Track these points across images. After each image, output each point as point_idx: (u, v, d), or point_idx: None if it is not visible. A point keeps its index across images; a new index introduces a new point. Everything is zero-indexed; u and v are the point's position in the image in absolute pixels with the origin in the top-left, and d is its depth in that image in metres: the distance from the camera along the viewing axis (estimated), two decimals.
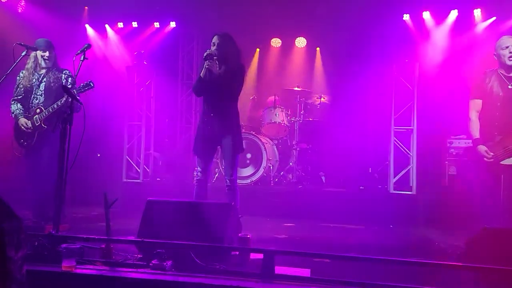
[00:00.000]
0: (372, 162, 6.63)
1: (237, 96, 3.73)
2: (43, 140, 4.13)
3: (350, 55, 7.01)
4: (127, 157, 6.42)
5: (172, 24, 7.25)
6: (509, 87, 3.68)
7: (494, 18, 6.06)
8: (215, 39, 3.64)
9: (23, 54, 4.05)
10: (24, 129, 4.13)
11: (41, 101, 4.18)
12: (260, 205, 5.50)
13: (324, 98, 6.92)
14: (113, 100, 6.91)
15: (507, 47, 3.65)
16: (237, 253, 2.89)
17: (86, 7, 6.92)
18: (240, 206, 3.77)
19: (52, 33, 6.19)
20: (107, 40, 7.19)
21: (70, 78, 4.22)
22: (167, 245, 2.66)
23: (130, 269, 2.53)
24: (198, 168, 3.72)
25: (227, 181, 3.67)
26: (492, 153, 3.64)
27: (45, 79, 4.22)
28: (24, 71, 4.25)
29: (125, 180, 6.29)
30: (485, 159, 3.67)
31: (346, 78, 7.07)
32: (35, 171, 4.21)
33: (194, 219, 2.99)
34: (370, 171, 6.54)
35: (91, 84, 3.79)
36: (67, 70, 4.28)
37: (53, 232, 2.80)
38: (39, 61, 4.23)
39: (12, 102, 4.27)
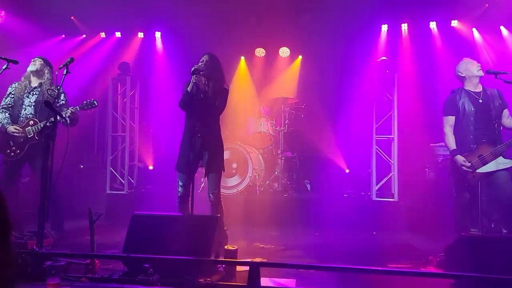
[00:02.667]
0: (355, 170, 6.76)
1: (219, 114, 3.80)
2: (32, 153, 4.10)
3: (333, 65, 7.15)
4: (111, 168, 6.36)
5: (157, 34, 7.27)
6: (480, 101, 3.96)
7: (472, 28, 6.33)
8: (204, 57, 3.75)
9: (4, 67, 4.02)
10: (16, 134, 4.10)
11: (29, 112, 4.19)
12: (247, 214, 5.52)
13: (307, 107, 7.03)
14: (96, 111, 6.87)
15: (472, 62, 4.03)
16: (224, 265, 2.92)
17: (73, 17, 6.87)
18: (225, 216, 3.81)
19: (35, 44, 6.18)
20: (91, 50, 7.15)
21: (62, 95, 4.25)
22: (153, 259, 2.67)
23: (116, 285, 2.54)
24: (180, 184, 3.73)
25: (211, 196, 3.70)
26: (469, 163, 3.82)
27: (37, 91, 4.25)
28: (17, 83, 4.30)
29: (109, 192, 6.23)
30: (463, 168, 3.83)
31: (329, 88, 7.20)
32: (16, 183, 4.21)
33: (180, 232, 3.00)
34: (353, 178, 6.67)
35: (95, 103, 3.92)
36: (61, 88, 4.30)
37: (36, 248, 2.78)
38: (32, 77, 4.30)
39: (0, 111, 4.25)
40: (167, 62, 7.73)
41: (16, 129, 4.11)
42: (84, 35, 7.09)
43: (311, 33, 6.84)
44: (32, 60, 4.32)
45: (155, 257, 2.70)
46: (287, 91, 7.25)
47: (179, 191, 3.73)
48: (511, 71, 3.81)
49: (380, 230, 5.20)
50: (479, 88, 4.01)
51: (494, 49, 6.09)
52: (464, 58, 4.18)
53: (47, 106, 3.14)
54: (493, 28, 6.24)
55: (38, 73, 4.29)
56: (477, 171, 3.86)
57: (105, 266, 2.99)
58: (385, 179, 5.79)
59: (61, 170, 3.10)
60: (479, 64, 4.04)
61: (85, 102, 3.97)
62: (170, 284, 2.58)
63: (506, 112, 3.98)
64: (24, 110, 4.19)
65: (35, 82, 4.30)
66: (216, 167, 3.72)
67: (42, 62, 4.32)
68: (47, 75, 4.33)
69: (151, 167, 7.13)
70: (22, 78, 4.31)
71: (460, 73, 4.08)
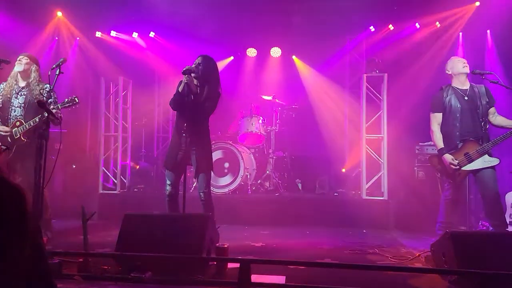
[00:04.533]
0: (346, 169, 6.84)
1: (208, 116, 3.84)
2: (20, 154, 4.08)
3: (322, 66, 7.24)
4: (103, 168, 6.38)
5: (151, 34, 7.30)
6: (465, 98, 4.04)
7: (454, 31, 6.46)
8: (198, 59, 3.79)
9: None
10: (3, 133, 4.08)
11: (19, 113, 4.14)
12: (238, 214, 5.58)
13: (298, 107, 7.11)
14: (89, 111, 6.88)
15: (458, 61, 4.14)
16: (215, 263, 2.97)
17: (60, 12, 6.84)
18: (217, 215, 3.87)
19: (24, 42, 6.16)
20: (83, 50, 7.15)
21: (52, 94, 4.20)
22: (146, 257, 2.71)
23: (109, 282, 2.58)
24: (168, 182, 3.79)
25: (201, 195, 3.77)
26: (457, 161, 3.90)
27: (25, 92, 4.19)
28: (3, 84, 4.25)
29: (101, 191, 6.25)
30: (452, 167, 3.91)
31: (320, 88, 7.29)
32: None
33: (172, 231, 3.05)
34: (344, 171, 6.77)
35: (76, 100, 3.86)
36: (48, 84, 4.24)
37: None
38: (19, 77, 4.24)
39: None
40: (160, 62, 7.75)
41: (2, 128, 4.09)
42: (78, 38, 7.07)
43: (302, 34, 6.92)
44: (18, 59, 4.21)
45: (148, 255, 2.75)
46: (278, 90, 7.32)
47: (167, 190, 3.79)
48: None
49: (370, 227, 5.29)
50: (466, 86, 4.09)
51: (476, 52, 6.22)
52: (452, 57, 4.28)
53: (40, 106, 3.16)
54: (479, 31, 6.35)
55: (25, 73, 4.21)
56: (463, 168, 3.94)
57: (97, 264, 3.02)
58: (375, 178, 5.88)
59: (54, 170, 3.12)
60: (465, 61, 4.13)
61: (66, 99, 3.93)
62: (162, 282, 2.63)
63: (492, 109, 4.05)
64: (14, 112, 4.14)
65: (22, 82, 4.23)
66: (204, 167, 3.78)
67: (28, 60, 4.24)
68: (34, 74, 4.25)
69: (137, 167, 7.09)
70: (9, 79, 4.23)
71: (447, 71, 4.18)
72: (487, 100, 4.02)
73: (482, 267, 2.67)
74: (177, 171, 3.81)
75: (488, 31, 6.38)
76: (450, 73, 4.15)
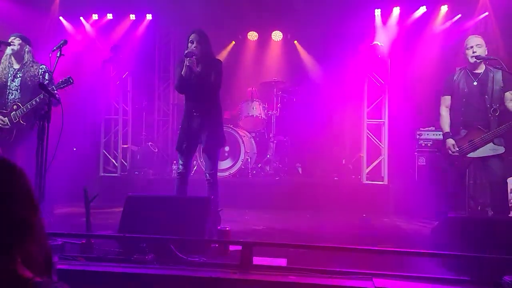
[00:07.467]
0: (346, 154, 6.85)
1: (217, 91, 3.80)
2: (21, 138, 4.05)
3: (325, 50, 7.16)
4: (104, 151, 6.38)
5: (148, 17, 7.19)
6: (474, 83, 3.90)
7: (459, 15, 6.33)
8: (193, 37, 3.70)
9: None
10: (1, 125, 4.05)
11: (16, 96, 4.10)
12: (239, 197, 5.60)
13: (299, 90, 7.07)
14: (89, 94, 6.82)
15: (471, 47, 3.90)
16: (217, 245, 2.99)
17: None
18: (220, 199, 3.87)
19: (22, 25, 6.06)
20: (82, 33, 7.05)
21: (47, 74, 4.15)
22: (148, 239, 2.73)
23: (112, 264, 2.59)
24: (180, 162, 3.79)
25: (207, 175, 3.76)
26: (457, 148, 3.87)
27: (20, 74, 4.13)
28: None
29: (102, 174, 6.27)
30: (449, 152, 3.88)
31: (321, 72, 7.23)
32: None
33: (174, 213, 3.07)
34: (344, 162, 6.76)
35: (71, 80, 3.80)
36: (43, 65, 4.18)
37: None
38: (13, 58, 4.17)
39: None
40: (159, 45, 7.66)
41: (1, 119, 4.03)
42: (82, 17, 6.98)
43: (304, 17, 6.81)
44: (10, 40, 4.14)
45: (151, 237, 2.76)
46: (279, 74, 7.27)
47: (180, 168, 3.79)
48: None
49: (370, 212, 5.31)
50: (481, 69, 3.90)
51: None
52: (468, 37, 4.01)
53: (41, 89, 3.13)
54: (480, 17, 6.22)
55: (18, 54, 4.15)
56: (468, 155, 3.87)
57: (99, 246, 3.04)
58: (375, 163, 5.89)
59: (55, 152, 3.11)
60: (479, 44, 3.85)
61: (60, 80, 3.86)
62: (164, 263, 2.65)
63: (508, 95, 3.81)
64: (11, 95, 4.10)
65: (16, 64, 4.17)
66: (212, 147, 3.75)
67: (21, 41, 4.16)
68: (27, 55, 4.18)
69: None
70: (2, 62, 4.17)
71: (463, 52, 3.97)
72: (501, 85, 3.80)
73: (482, 252, 2.69)
74: (189, 152, 3.79)
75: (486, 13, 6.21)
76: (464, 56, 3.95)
